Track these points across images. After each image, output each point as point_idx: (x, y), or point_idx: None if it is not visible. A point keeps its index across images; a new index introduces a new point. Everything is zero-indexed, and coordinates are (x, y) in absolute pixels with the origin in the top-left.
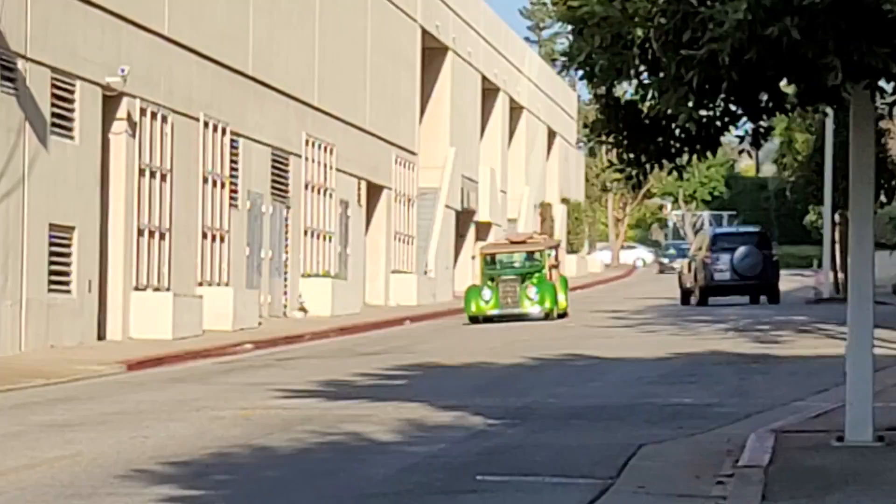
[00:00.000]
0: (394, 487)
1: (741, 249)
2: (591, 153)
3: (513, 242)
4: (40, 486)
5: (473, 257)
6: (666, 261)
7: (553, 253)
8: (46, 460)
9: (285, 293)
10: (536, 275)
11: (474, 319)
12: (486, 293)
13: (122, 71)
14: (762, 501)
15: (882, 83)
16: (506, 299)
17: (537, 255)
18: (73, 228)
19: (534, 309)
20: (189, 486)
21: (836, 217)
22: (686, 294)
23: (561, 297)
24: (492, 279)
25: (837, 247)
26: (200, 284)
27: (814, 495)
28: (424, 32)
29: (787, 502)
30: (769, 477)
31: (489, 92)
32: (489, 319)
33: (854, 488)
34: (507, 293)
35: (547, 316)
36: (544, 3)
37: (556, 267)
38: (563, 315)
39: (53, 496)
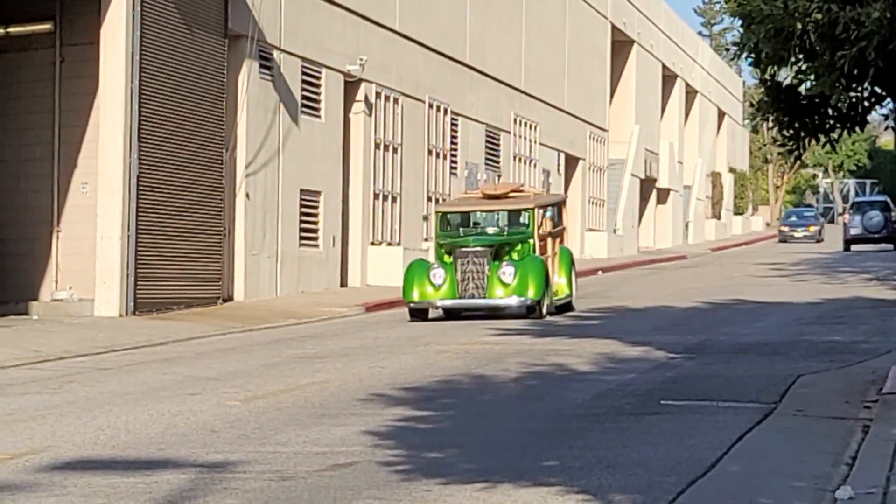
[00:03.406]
0: (590, 410)
1: (869, 213)
2: (755, 130)
3: (487, 196)
4: (295, 407)
5: (426, 217)
6: (786, 229)
7: (549, 213)
8: (299, 386)
9: None
10: (519, 247)
11: (417, 312)
12: (438, 274)
13: (361, 60)
14: None
15: None
16: (466, 284)
17: (524, 218)
18: (319, 193)
19: (510, 300)
20: (419, 408)
21: None
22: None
23: (560, 279)
24: (450, 252)
25: None
26: (426, 240)
27: None
28: (614, 28)
29: None
30: None
31: (668, 78)
32: (453, 314)
33: None
34: (468, 274)
35: (530, 310)
36: (717, 2)
37: (557, 236)
38: (564, 307)
39: (307, 416)
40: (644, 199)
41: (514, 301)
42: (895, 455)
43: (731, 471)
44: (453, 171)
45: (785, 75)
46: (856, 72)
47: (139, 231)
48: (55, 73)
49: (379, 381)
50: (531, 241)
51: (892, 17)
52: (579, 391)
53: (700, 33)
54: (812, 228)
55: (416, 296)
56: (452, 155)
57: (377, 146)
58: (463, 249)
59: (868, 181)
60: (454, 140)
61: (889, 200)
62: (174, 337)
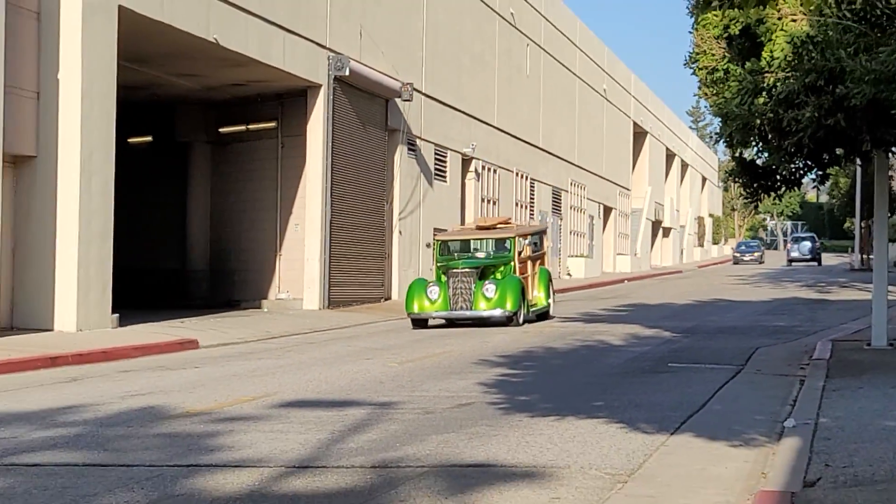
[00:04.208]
0: (622, 369)
1: (803, 242)
2: (726, 189)
3: (480, 227)
4: (431, 368)
5: (428, 245)
6: (738, 255)
7: (531, 241)
8: (435, 354)
9: (559, 265)
10: (502, 268)
11: (417, 322)
12: (434, 290)
13: (472, 145)
14: (826, 378)
15: (893, 149)
16: (456, 299)
17: (508, 244)
18: (445, 230)
19: (494, 311)
20: (511, 368)
21: (862, 224)
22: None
23: (539, 293)
24: (445, 272)
25: (864, 240)
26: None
27: (854, 374)
28: (635, 123)
29: (840, 378)
30: (829, 365)
31: (669, 156)
32: (454, 322)
33: (877, 371)
34: (458, 291)
35: (509, 319)
36: (704, 107)
37: (538, 259)
38: (543, 315)
39: (440, 373)
40: (654, 234)
41: (497, 312)
42: (822, 399)
43: (715, 409)
44: (531, 216)
45: (748, 154)
46: (794, 151)
47: (331, 255)
48: (277, 154)
49: (485, 350)
50: (512, 263)
51: (819, 117)
52: (615, 358)
53: (690, 127)
54: (756, 254)
55: (415, 308)
56: (531, 206)
57: (483, 200)
58: (454, 270)
59: (799, 222)
60: (532, 196)
61: (815, 235)
62: (354, 323)
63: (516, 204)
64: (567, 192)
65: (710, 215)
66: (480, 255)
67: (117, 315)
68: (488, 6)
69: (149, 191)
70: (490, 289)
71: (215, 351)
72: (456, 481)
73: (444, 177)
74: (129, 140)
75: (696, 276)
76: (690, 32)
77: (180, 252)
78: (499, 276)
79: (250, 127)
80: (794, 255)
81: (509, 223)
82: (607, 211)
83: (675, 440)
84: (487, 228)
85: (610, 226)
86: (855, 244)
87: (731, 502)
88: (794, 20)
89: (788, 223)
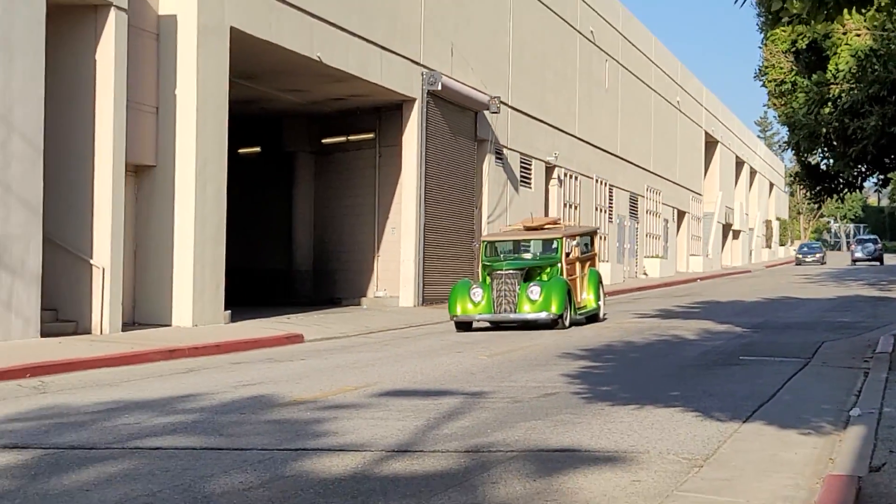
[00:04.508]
0: (696, 362)
1: (866, 244)
2: (792, 194)
3: (527, 228)
4: (518, 360)
5: (475, 245)
6: (801, 256)
7: (580, 242)
8: (521, 347)
9: (636, 265)
10: (548, 270)
11: (461, 325)
12: (477, 292)
13: (555, 154)
14: (889, 370)
15: None
16: (500, 301)
17: (555, 245)
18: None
19: (539, 314)
20: (592, 361)
21: None
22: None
23: (588, 296)
24: (490, 274)
25: None
26: None
27: None
28: (706, 133)
29: None
30: (892, 358)
31: (739, 164)
32: (499, 325)
33: None
34: (502, 293)
35: (554, 322)
36: (772, 116)
37: (587, 260)
38: (592, 317)
39: (527, 364)
40: (724, 236)
41: (543, 315)
42: (885, 390)
43: (784, 399)
44: (610, 219)
45: (813, 159)
46: (858, 157)
47: (425, 256)
48: (375, 163)
49: (568, 344)
50: (559, 264)
51: (883, 125)
52: (689, 351)
53: (758, 136)
54: (817, 255)
55: (458, 311)
56: (609, 210)
57: (565, 205)
58: (498, 272)
59: (862, 225)
60: (610, 201)
61: (877, 237)
62: (446, 318)
63: (596, 208)
64: (643, 197)
65: (777, 218)
66: (527, 256)
67: (229, 311)
68: (570, 25)
69: (258, 197)
70: (535, 291)
71: (319, 345)
72: (543, 465)
73: (529, 183)
74: (240, 150)
75: (764, 276)
76: (760, 47)
77: (286, 253)
78: (545, 277)
79: (350, 138)
80: (858, 255)
81: (558, 224)
82: (681, 215)
83: (747, 428)
84: (535, 229)
85: (683, 228)
86: None
87: (801, 485)
88: (857, 35)
89: (851, 226)
